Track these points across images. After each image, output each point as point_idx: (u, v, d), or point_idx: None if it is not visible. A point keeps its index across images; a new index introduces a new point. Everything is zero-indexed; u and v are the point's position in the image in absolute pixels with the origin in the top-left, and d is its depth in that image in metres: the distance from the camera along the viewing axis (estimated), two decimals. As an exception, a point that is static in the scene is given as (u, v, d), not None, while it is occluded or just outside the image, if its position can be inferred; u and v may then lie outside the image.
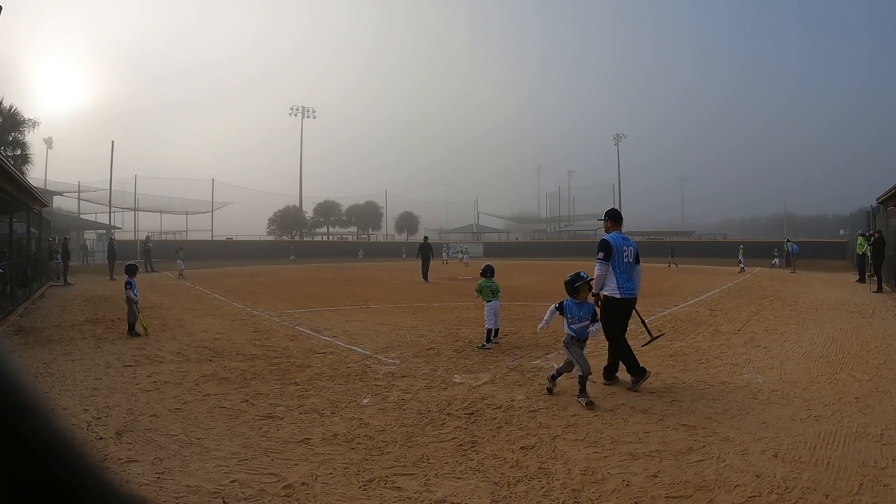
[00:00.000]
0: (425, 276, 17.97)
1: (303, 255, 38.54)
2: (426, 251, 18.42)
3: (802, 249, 23.58)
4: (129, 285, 7.87)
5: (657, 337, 5.55)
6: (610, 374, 5.12)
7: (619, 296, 4.97)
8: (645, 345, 5.29)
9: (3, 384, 0.35)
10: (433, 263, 19.54)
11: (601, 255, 5.01)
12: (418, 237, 53.67)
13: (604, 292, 5.05)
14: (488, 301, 6.90)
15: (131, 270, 8.24)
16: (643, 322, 5.33)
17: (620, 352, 4.99)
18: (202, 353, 6.50)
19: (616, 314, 5.02)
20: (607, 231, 5.25)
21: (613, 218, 5.27)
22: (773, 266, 19.82)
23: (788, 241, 24.14)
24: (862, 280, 16.12)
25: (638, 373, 4.87)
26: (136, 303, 7.77)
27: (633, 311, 5.17)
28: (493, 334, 6.83)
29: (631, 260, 5.06)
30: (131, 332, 7.65)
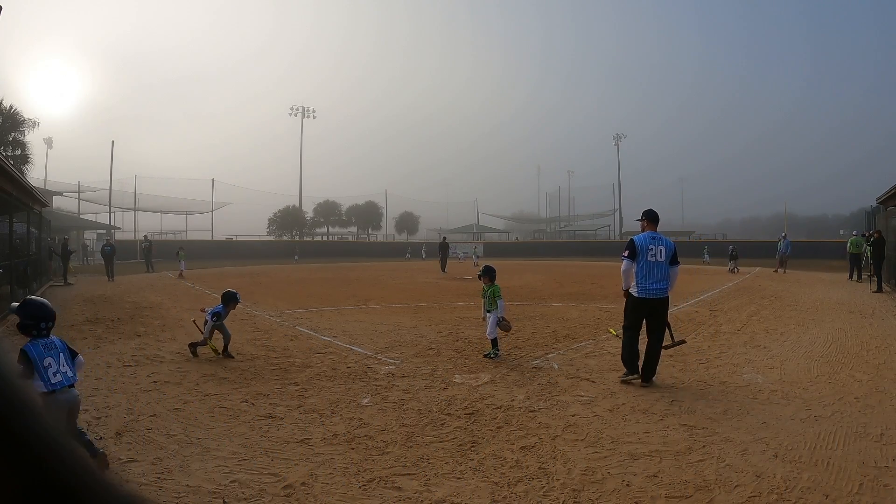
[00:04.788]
0: (443, 268, 22.45)
1: (304, 255, 38.65)
2: (444, 249, 23.19)
3: (802, 249, 23.17)
4: (215, 316, 6.23)
5: (677, 343, 5.55)
6: (640, 370, 5.11)
7: (635, 294, 5.17)
8: (664, 347, 5.23)
9: (3, 384, 0.35)
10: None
11: (625, 252, 5.24)
12: (419, 237, 54.00)
13: (631, 290, 5.25)
14: (494, 309, 6.17)
15: (227, 299, 6.49)
16: (667, 325, 5.32)
17: (624, 344, 5.21)
18: (202, 352, 6.50)
19: (631, 310, 5.25)
20: (642, 230, 5.37)
21: (648, 217, 5.36)
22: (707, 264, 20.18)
23: (785, 236, 23.50)
24: (851, 277, 16.25)
25: (630, 368, 5.10)
26: (208, 336, 6.22)
27: (663, 312, 5.20)
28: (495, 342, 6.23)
29: (661, 259, 5.10)
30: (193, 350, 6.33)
